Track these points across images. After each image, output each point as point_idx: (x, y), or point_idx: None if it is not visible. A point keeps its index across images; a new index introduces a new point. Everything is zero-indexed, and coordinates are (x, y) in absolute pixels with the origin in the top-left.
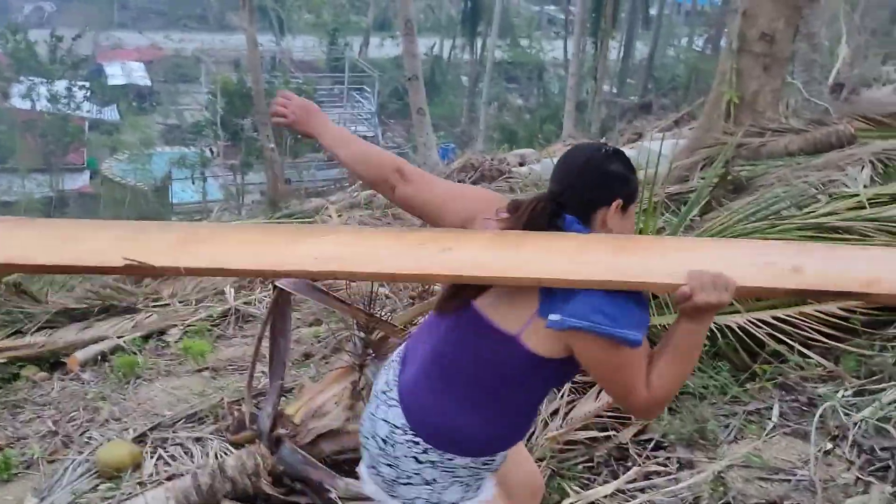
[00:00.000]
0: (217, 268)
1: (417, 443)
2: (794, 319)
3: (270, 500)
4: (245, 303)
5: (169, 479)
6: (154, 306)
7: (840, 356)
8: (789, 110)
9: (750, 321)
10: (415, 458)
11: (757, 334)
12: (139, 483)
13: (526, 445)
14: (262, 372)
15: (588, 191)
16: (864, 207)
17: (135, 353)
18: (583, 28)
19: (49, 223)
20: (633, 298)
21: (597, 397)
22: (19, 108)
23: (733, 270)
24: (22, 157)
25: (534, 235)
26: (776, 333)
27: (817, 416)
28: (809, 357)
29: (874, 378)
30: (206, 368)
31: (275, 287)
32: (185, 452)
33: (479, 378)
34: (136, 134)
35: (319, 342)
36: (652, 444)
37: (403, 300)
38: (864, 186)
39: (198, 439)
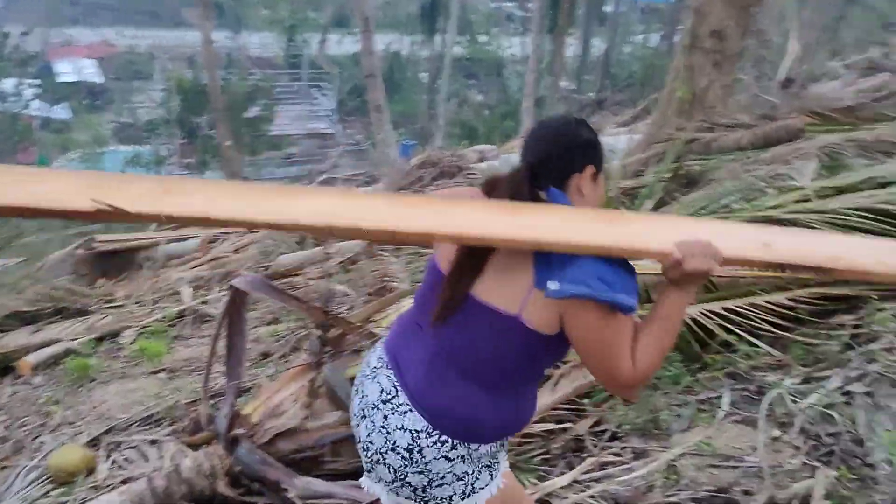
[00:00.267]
0: (202, 216)
1: (445, 441)
2: (743, 310)
3: (228, 501)
4: (202, 303)
5: (124, 482)
6: (108, 308)
7: (787, 345)
8: (740, 106)
9: (702, 312)
10: (445, 457)
11: (708, 325)
12: (93, 487)
13: None
14: (220, 372)
15: (563, 158)
16: (809, 200)
17: (88, 356)
18: (540, 25)
19: (14, 168)
20: (625, 266)
21: (553, 390)
22: None
23: (714, 242)
24: None
25: (526, 205)
26: (726, 324)
27: (765, 403)
28: (758, 346)
29: (820, 366)
30: (163, 370)
31: (230, 286)
32: (141, 455)
33: (490, 363)
34: (88, 132)
35: (278, 341)
36: (607, 436)
37: (361, 297)
38: (811, 180)
39: (153, 442)
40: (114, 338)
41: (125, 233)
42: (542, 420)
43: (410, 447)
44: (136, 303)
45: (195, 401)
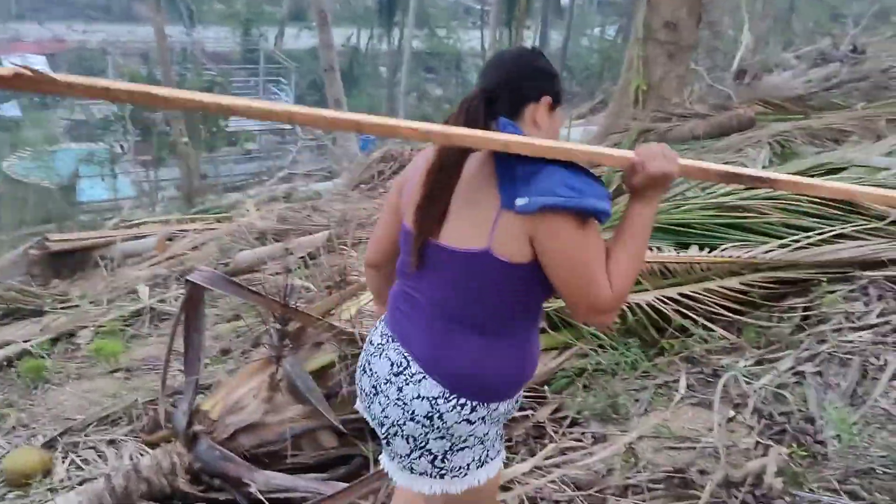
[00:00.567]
0: (145, 92)
1: (465, 404)
2: (698, 295)
3: (188, 498)
4: (160, 301)
5: (81, 483)
6: (63, 308)
7: (741, 328)
8: (694, 96)
9: (658, 298)
10: (466, 420)
11: (664, 311)
12: (50, 489)
13: None
14: (179, 370)
15: (519, 85)
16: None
17: (42, 357)
18: (498, 18)
19: None
20: (591, 174)
21: None
22: None
23: None
24: None
25: (485, 131)
26: (682, 309)
27: (720, 385)
28: (713, 330)
29: (772, 347)
30: (120, 369)
31: (187, 281)
32: (99, 456)
33: (480, 307)
34: (38, 130)
35: (238, 337)
36: (568, 421)
37: (321, 291)
38: (763, 167)
39: (111, 442)
40: (69, 338)
41: (79, 231)
42: None
43: (430, 414)
44: (92, 302)
45: (153, 399)
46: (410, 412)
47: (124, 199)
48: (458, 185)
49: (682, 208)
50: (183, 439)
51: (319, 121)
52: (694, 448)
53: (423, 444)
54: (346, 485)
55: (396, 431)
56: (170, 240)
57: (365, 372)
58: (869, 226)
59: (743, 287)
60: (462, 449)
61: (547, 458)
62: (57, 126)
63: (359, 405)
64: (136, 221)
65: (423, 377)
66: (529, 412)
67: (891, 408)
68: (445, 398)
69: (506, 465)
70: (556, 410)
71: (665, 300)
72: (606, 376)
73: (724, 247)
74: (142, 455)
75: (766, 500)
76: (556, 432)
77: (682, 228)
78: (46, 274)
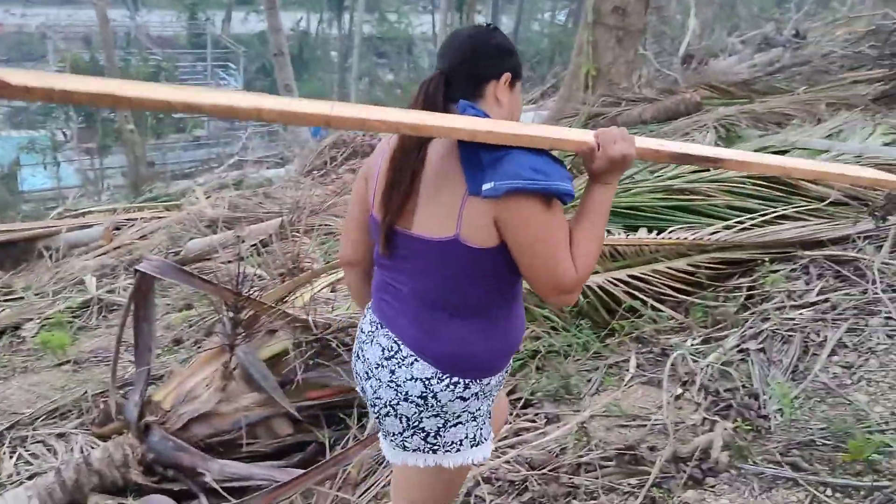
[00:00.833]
0: (108, 93)
1: (457, 383)
2: (647, 277)
3: (142, 489)
4: (108, 291)
5: (31, 478)
6: (6, 300)
7: (689, 308)
8: (642, 80)
9: (608, 280)
10: (460, 397)
11: (615, 293)
12: None
13: None
14: (130, 361)
15: (477, 64)
16: (707, 170)
17: None
18: (449, 2)
19: None
20: (554, 157)
21: None
22: None
23: None
24: None
25: (446, 115)
26: (632, 291)
27: (669, 364)
28: (662, 311)
29: (718, 326)
30: (68, 362)
31: (136, 271)
32: (48, 450)
33: (456, 293)
34: None
35: (190, 327)
36: (521, 403)
37: (274, 279)
38: None
39: (61, 435)
40: (14, 331)
41: (22, 221)
42: None
43: (424, 394)
44: (37, 294)
45: (103, 391)
46: (404, 393)
47: (68, 187)
48: (426, 174)
49: (632, 192)
50: (135, 431)
51: (289, 116)
52: (644, 425)
53: (417, 422)
54: (302, 471)
55: (388, 412)
56: (117, 229)
57: (359, 358)
58: (809, 207)
59: (690, 268)
60: (455, 425)
61: (502, 439)
62: None
63: (357, 387)
64: (82, 211)
65: (415, 360)
66: None
67: (830, 382)
68: (439, 378)
69: None
70: (511, 392)
71: (615, 282)
72: (559, 358)
73: (671, 229)
74: (93, 448)
75: (712, 473)
76: (510, 413)
77: (631, 212)
78: None
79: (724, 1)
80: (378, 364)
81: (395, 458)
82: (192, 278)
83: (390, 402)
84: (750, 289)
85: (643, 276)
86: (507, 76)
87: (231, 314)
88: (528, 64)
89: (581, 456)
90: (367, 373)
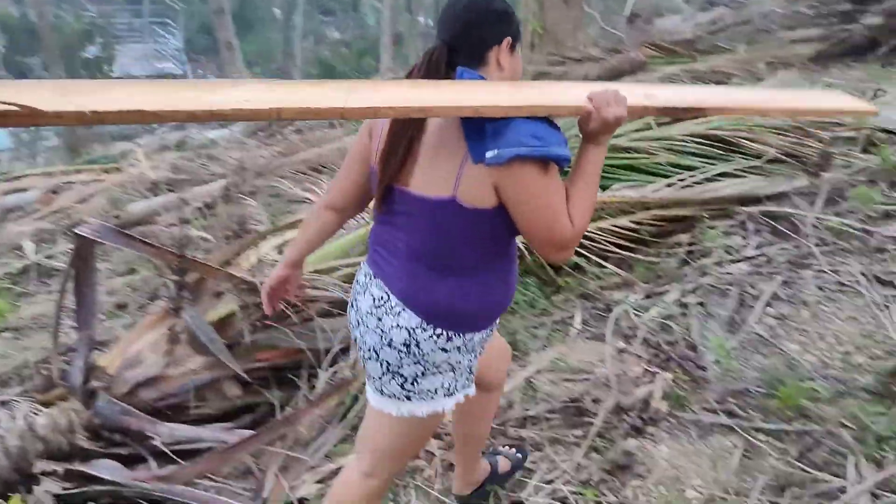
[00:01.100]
0: (135, 110)
1: (441, 334)
2: (592, 234)
3: (89, 454)
4: (47, 257)
5: None
6: None
7: (632, 265)
8: (588, 39)
9: None
10: (442, 349)
11: None
12: None
13: None
14: (73, 327)
15: (479, 31)
16: (651, 128)
17: None
18: None
19: None
20: (552, 122)
21: None
22: None
23: None
24: None
25: (445, 81)
26: (577, 248)
27: (612, 319)
28: (606, 267)
29: (660, 281)
30: (7, 329)
31: (75, 234)
32: None
33: (450, 250)
34: None
35: (134, 291)
36: None
37: (220, 242)
38: None
39: (2, 403)
40: None
41: None
42: None
43: (407, 342)
44: None
45: (46, 358)
46: (388, 340)
47: (1, 150)
48: (427, 136)
49: (576, 150)
50: (80, 396)
51: (309, 114)
52: (588, 379)
53: (398, 368)
54: (252, 432)
55: (371, 356)
56: (54, 192)
57: (353, 307)
58: (748, 164)
59: (633, 225)
60: (434, 374)
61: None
62: None
63: (351, 333)
64: (17, 174)
65: (402, 309)
66: None
67: (765, 333)
68: (423, 328)
69: None
70: None
71: None
72: (507, 315)
73: (615, 187)
74: (36, 414)
75: (652, 422)
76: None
77: None
78: None
79: None
80: (368, 312)
81: (373, 400)
82: (134, 242)
83: (374, 346)
84: (690, 244)
85: (588, 233)
86: (507, 40)
87: (176, 278)
88: None
89: (528, 409)
90: (358, 321)
